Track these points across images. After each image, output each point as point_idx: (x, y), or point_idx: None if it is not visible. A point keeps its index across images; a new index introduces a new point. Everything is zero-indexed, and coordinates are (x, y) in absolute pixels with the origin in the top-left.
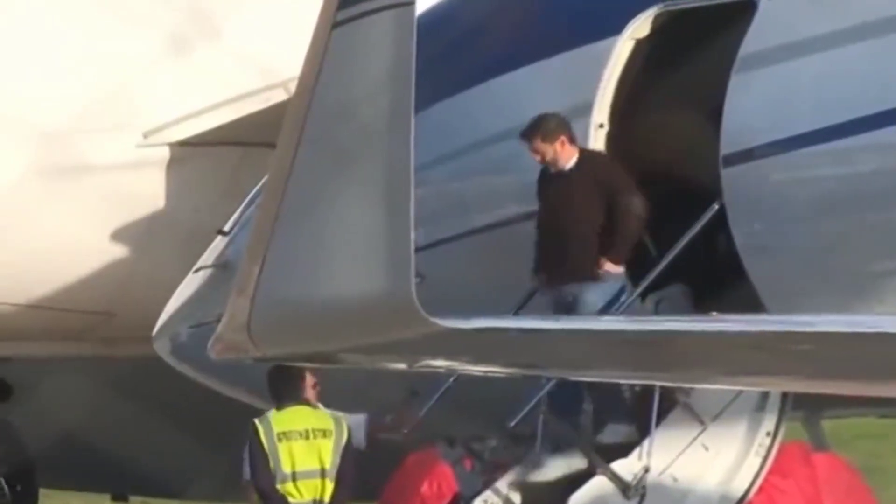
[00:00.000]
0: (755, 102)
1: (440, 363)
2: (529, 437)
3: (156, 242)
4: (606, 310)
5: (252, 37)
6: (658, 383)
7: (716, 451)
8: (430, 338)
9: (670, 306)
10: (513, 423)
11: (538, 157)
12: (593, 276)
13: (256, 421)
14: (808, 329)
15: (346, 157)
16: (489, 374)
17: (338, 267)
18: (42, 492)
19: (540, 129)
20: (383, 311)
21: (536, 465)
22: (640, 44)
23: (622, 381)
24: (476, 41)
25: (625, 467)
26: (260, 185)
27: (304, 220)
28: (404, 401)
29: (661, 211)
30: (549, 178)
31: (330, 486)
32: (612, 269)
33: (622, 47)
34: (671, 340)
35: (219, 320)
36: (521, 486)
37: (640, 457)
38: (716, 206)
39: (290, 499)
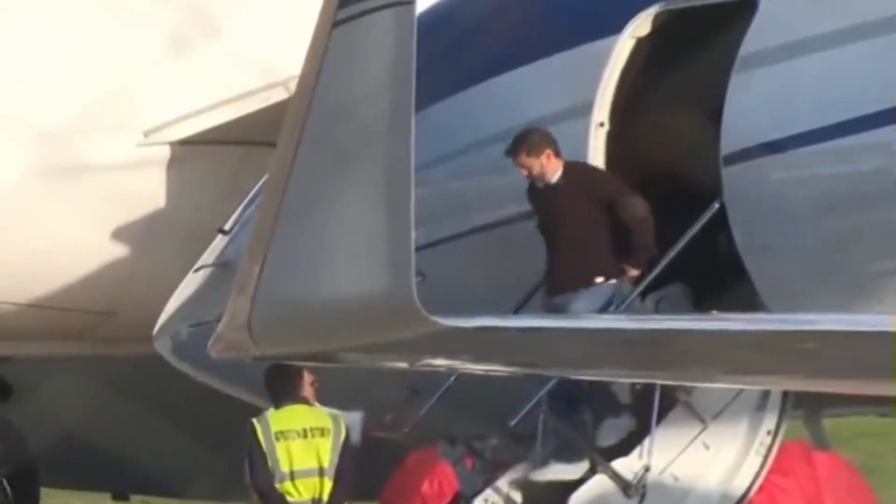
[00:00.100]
0: (755, 102)
1: (441, 362)
2: (530, 436)
3: (156, 241)
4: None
5: (252, 36)
6: (658, 382)
7: (716, 449)
8: (431, 337)
9: (671, 306)
10: (514, 422)
11: (525, 172)
12: (587, 284)
13: (254, 420)
14: (808, 328)
15: (346, 156)
16: (490, 373)
17: (338, 266)
18: (43, 491)
19: (525, 143)
20: (384, 311)
21: (537, 463)
22: (640, 43)
23: (623, 380)
24: (476, 40)
25: (625, 466)
26: (260, 184)
27: (305, 219)
28: (405, 400)
29: (661, 210)
30: (538, 192)
31: (328, 485)
32: (633, 273)
33: (622, 46)
34: (672, 339)
35: (219, 319)
36: (522, 485)
37: (640, 455)
38: (716, 206)
39: (288, 498)
